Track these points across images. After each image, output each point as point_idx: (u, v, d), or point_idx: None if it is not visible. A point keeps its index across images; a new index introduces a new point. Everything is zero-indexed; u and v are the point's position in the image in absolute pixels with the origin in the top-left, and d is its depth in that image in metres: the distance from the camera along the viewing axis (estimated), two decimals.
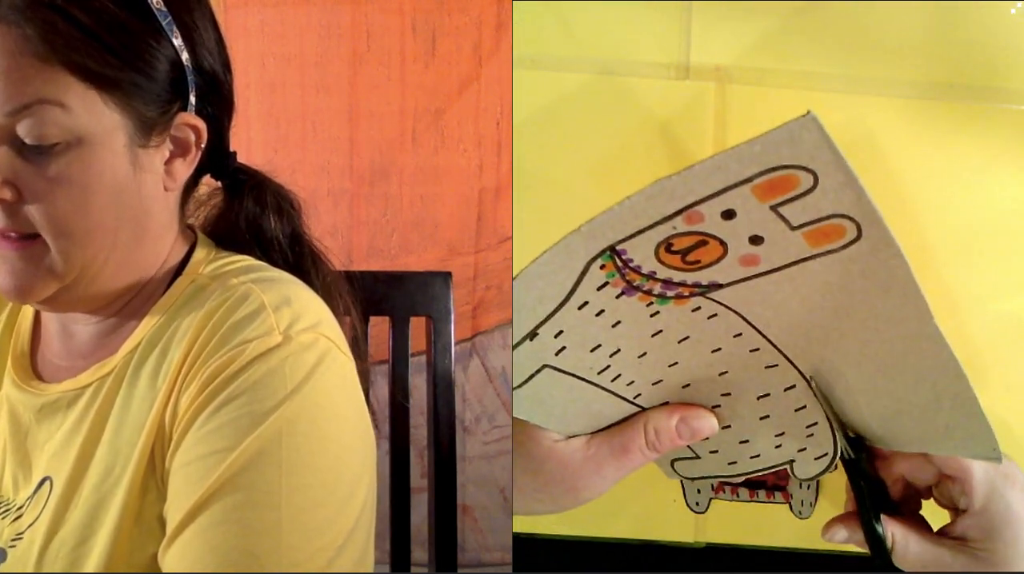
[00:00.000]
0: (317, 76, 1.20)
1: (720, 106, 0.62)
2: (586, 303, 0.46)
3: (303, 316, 0.51)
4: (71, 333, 0.57)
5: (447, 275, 0.83)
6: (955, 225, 0.62)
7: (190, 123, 0.55)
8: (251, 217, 0.60)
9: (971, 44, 0.60)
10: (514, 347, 0.48)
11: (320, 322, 0.52)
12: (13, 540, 0.52)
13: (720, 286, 0.46)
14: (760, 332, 0.49)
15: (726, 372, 0.51)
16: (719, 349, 0.50)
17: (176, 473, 0.48)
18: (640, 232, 0.43)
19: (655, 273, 0.45)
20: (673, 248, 0.43)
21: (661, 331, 0.49)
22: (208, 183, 0.61)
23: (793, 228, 0.42)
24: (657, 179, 0.41)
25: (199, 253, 0.58)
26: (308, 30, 1.20)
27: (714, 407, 0.53)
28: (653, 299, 0.46)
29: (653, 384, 0.52)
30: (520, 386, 0.50)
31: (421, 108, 1.22)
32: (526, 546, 0.71)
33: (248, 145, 1.17)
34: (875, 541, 0.54)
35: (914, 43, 0.60)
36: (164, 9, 0.53)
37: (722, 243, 0.43)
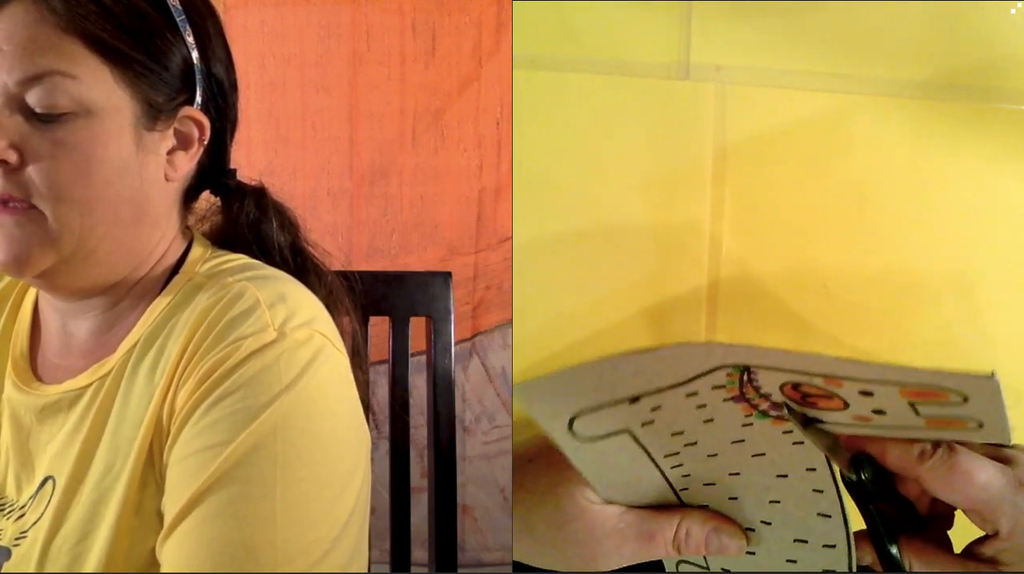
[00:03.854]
0: (317, 76, 1.21)
1: (720, 106, 0.62)
2: (695, 394, 0.47)
3: (297, 313, 0.52)
4: (70, 332, 0.58)
5: (447, 275, 0.83)
6: (955, 224, 0.62)
7: (194, 117, 0.57)
8: (252, 220, 0.61)
9: (971, 44, 0.60)
10: (608, 405, 0.48)
11: (314, 318, 0.53)
12: (17, 538, 0.53)
13: (820, 422, 0.47)
14: (833, 475, 0.49)
15: (778, 502, 0.51)
16: (786, 475, 0.50)
17: (173, 467, 0.49)
18: (780, 370, 0.44)
19: (770, 395, 0.47)
20: (800, 389, 0.45)
21: (743, 441, 0.49)
22: (208, 199, 0.63)
23: (919, 416, 0.43)
24: (820, 353, 0.43)
25: (195, 252, 0.59)
26: (308, 30, 1.20)
27: (748, 529, 0.53)
28: (754, 412, 0.48)
29: (704, 485, 0.52)
30: (596, 440, 0.50)
31: (421, 108, 1.22)
32: None
33: (248, 145, 1.18)
34: (890, 566, 0.49)
35: (914, 43, 0.60)
36: (179, 7, 0.56)
37: (846, 403, 0.45)
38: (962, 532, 0.51)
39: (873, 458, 0.49)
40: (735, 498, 0.52)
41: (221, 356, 0.49)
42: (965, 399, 0.41)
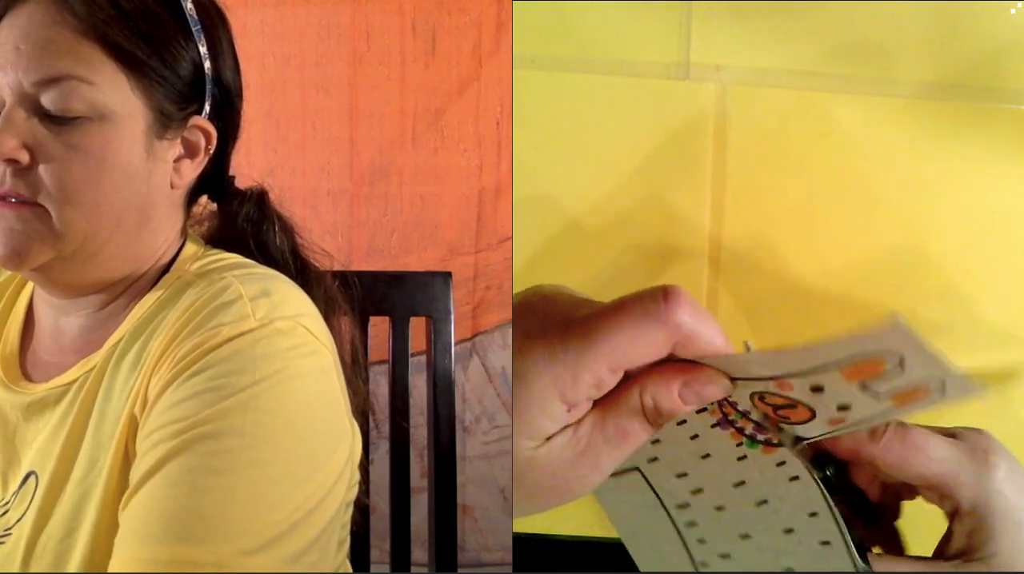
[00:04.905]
0: (317, 76, 1.21)
1: (720, 106, 0.62)
2: (684, 422, 0.47)
3: (281, 307, 0.52)
4: (62, 328, 0.58)
5: (447, 275, 0.83)
6: (955, 225, 0.62)
7: (202, 127, 0.57)
8: (253, 220, 0.61)
9: (971, 44, 0.60)
10: None
11: (300, 314, 0.53)
12: (1, 536, 0.52)
13: (804, 440, 0.46)
14: (832, 511, 0.46)
15: (791, 570, 0.50)
16: (792, 530, 0.48)
17: (141, 443, 0.48)
18: (737, 379, 0.44)
19: (749, 413, 0.46)
20: (766, 400, 0.45)
21: (744, 483, 0.48)
22: (203, 202, 0.63)
23: (880, 398, 0.42)
24: (754, 350, 0.42)
25: (188, 250, 0.59)
26: (308, 30, 1.20)
27: None
28: (743, 439, 0.47)
29: (720, 557, 0.50)
30: (613, 474, 0.47)
31: (421, 108, 1.22)
32: (526, 546, 0.71)
33: (248, 145, 1.17)
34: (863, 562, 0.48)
35: (914, 43, 0.60)
36: (196, 17, 0.56)
37: (811, 410, 0.44)
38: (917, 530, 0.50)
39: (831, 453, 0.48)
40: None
41: (198, 341, 0.49)
42: (902, 361, 0.40)
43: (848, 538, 0.46)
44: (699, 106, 0.62)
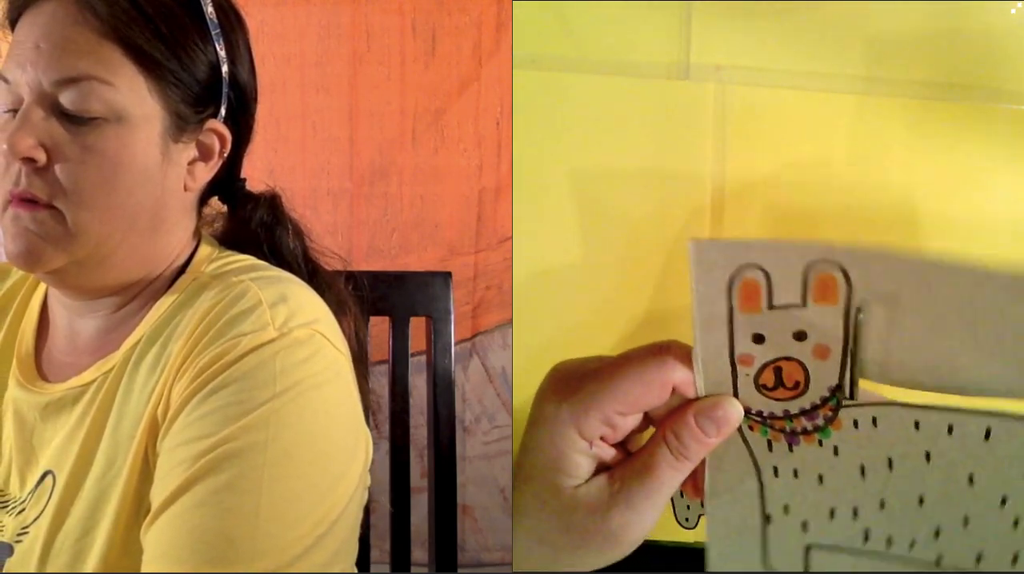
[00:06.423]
0: (317, 76, 1.21)
1: (720, 106, 0.62)
2: (776, 468, 0.47)
3: (299, 313, 0.52)
4: (77, 330, 0.58)
5: (447, 275, 0.83)
6: (955, 225, 0.62)
7: (217, 130, 0.57)
8: (267, 224, 0.61)
9: (971, 44, 0.60)
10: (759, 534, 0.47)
11: (317, 319, 0.53)
12: (19, 535, 0.53)
13: (839, 387, 0.45)
14: (927, 405, 0.44)
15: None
16: (929, 454, 0.44)
17: (163, 456, 0.48)
18: (732, 391, 0.46)
19: (788, 411, 0.46)
20: (769, 386, 0.46)
21: (864, 466, 0.45)
22: (214, 202, 0.63)
23: (804, 305, 0.43)
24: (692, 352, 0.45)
25: (202, 252, 0.59)
26: (308, 30, 1.20)
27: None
28: (816, 435, 0.46)
29: (911, 547, 0.45)
30: None
31: (421, 108, 1.22)
32: None
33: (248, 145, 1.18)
34: None
35: (914, 43, 0.60)
36: (215, 20, 0.56)
37: (788, 358, 0.45)
38: None
39: None
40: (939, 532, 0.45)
41: (219, 351, 0.49)
42: (760, 268, 0.43)
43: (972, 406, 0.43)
44: (699, 106, 0.62)
